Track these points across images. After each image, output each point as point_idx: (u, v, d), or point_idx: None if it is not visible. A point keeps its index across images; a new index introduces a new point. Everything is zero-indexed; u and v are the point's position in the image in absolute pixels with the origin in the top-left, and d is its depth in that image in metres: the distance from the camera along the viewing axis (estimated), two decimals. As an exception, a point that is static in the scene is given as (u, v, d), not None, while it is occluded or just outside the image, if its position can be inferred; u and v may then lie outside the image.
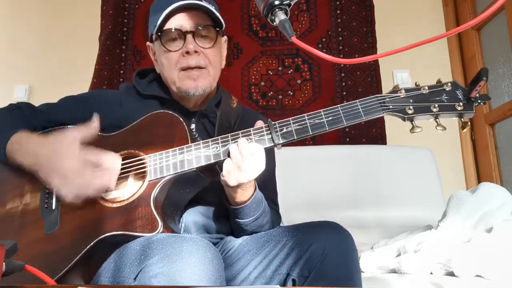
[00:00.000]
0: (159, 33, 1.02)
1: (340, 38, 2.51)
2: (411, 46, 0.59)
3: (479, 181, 2.26)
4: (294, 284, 0.85)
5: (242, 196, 0.94)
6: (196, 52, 1.01)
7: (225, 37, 1.14)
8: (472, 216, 1.24)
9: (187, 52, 1.01)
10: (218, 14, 1.03)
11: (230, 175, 0.88)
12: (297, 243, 0.86)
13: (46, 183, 0.88)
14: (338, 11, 2.56)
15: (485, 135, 2.24)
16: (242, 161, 0.87)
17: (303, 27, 2.56)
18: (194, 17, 1.02)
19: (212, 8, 1.01)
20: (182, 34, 1.02)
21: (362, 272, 1.22)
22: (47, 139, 0.91)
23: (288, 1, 0.69)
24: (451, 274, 1.13)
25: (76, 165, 0.84)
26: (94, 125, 0.92)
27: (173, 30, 1.01)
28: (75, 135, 0.88)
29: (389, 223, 1.90)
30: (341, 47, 2.50)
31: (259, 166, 0.89)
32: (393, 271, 1.21)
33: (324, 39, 2.52)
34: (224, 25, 1.06)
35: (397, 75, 2.43)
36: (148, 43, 1.13)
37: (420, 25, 2.48)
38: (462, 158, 2.35)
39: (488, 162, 2.22)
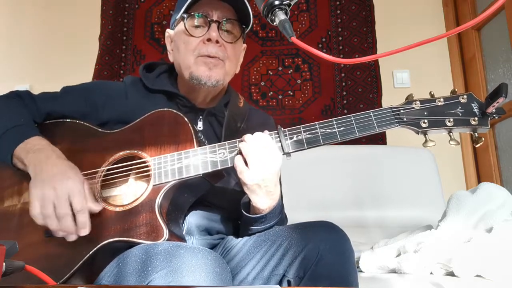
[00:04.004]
0: (184, 15, 1.01)
1: (340, 38, 2.51)
2: (411, 46, 0.59)
3: (479, 181, 2.26)
4: (289, 285, 0.84)
5: (268, 205, 0.90)
6: (217, 42, 1.00)
7: (244, 45, 1.14)
8: (472, 216, 1.24)
9: (209, 40, 0.99)
10: (248, 8, 1.01)
11: (242, 173, 0.85)
12: (292, 244, 0.85)
13: (30, 189, 0.84)
14: (338, 11, 2.56)
15: (485, 135, 2.24)
16: (252, 155, 0.85)
17: (303, 27, 2.55)
18: (223, 9, 1.02)
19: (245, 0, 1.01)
20: (207, 22, 1.01)
21: (362, 272, 1.23)
22: (67, 162, 0.88)
23: (288, 1, 0.69)
24: (451, 274, 1.13)
25: (62, 195, 0.81)
26: (99, 207, 0.86)
27: (199, 15, 1.01)
28: (86, 189, 0.85)
29: (389, 223, 1.90)
30: (341, 47, 2.50)
31: (272, 160, 0.86)
32: (393, 271, 1.21)
33: (324, 39, 2.52)
34: (251, 22, 1.05)
35: (397, 75, 2.43)
36: (167, 30, 1.11)
37: (420, 25, 2.48)
38: (462, 158, 2.35)
39: (488, 162, 2.22)
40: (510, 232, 1.15)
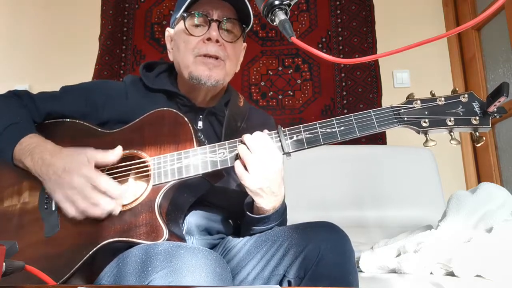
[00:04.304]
0: (185, 14, 1.01)
1: (340, 38, 2.51)
2: (411, 46, 0.59)
3: (479, 181, 2.26)
4: (289, 285, 0.84)
5: (272, 205, 0.90)
6: (217, 41, 1.00)
7: (245, 44, 1.14)
8: (472, 216, 1.24)
9: (209, 39, 0.99)
10: (249, 7, 1.01)
11: (242, 176, 0.85)
12: (293, 244, 0.85)
13: (50, 195, 0.86)
14: (338, 11, 2.56)
15: (485, 135, 2.24)
16: (252, 159, 0.84)
17: (303, 27, 2.55)
18: (223, 8, 1.01)
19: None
20: (207, 21, 1.01)
21: (362, 272, 1.23)
22: (62, 151, 0.88)
23: (288, 1, 0.69)
24: (451, 274, 1.13)
25: (83, 185, 0.81)
26: (115, 154, 0.88)
27: (199, 14, 1.00)
28: (92, 156, 0.85)
29: (389, 223, 1.90)
30: (341, 47, 2.50)
31: (276, 157, 0.86)
32: (393, 271, 1.21)
33: (324, 39, 2.52)
34: (251, 22, 1.05)
35: (397, 75, 2.43)
36: (167, 29, 1.11)
37: (420, 25, 2.48)
38: (462, 158, 2.35)
39: (488, 162, 2.22)
40: (510, 232, 1.15)
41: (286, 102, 2.44)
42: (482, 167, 2.29)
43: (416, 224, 1.53)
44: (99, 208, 0.82)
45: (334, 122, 0.88)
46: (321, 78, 2.46)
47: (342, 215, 1.88)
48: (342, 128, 0.88)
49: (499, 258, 1.09)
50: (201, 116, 1.07)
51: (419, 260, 1.15)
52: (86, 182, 0.82)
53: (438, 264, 1.15)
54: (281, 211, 0.94)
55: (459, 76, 2.43)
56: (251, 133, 0.88)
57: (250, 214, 0.93)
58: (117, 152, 0.89)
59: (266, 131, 0.90)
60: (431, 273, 1.16)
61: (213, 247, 1.01)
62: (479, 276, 1.10)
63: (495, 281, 1.07)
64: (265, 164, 0.85)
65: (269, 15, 0.69)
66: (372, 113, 0.88)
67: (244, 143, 0.87)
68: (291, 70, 2.49)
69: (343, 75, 2.45)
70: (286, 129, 0.89)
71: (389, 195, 1.99)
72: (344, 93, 2.42)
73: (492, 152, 2.21)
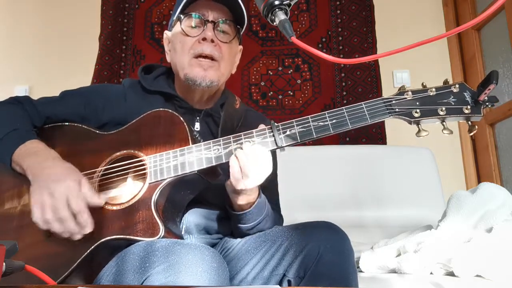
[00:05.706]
0: (181, 16, 1.03)
1: (340, 38, 2.51)
2: (411, 46, 0.59)
3: (479, 181, 2.26)
4: (289, 285, 0.85)
5: (246, 201, 0.93)
6: (212, 41, 1.01)
7: (240, 46, 1.15)
8: (472, 216, 1.24)
9: (204, 39, 1.01)
10: (243, 9, 1.03)
11: (238, 182, 0.87)
12: (292, 244, 0.85)
13: (30, 194, 0.86)
14: (338, 11, 2.56)
15: (485, 135, 2.24)
16: (249, 166, 0.85)
17: (303, 27, 2.56)
18: (218, 9, 1.03)
19: (240, 1, 1.03)
20: (203, 22, 1.02)
21: (362, 272, 1.23)
22: (65, 163, 0.89)
23: (288, 1, 0.69)
24: (451, 274, 1.13)
25: (60, 198, 0.81)
26: (98, 201, 0.86)
27: (195, 16, 1.02)
28: (84, 184, 0.85)
29: (389, 223, 1.90)
30: (341, 47, 2.50)
31: (266, 170, 0.88)
32: (393, 271, 1.21)
33: (324, 39, 2.52)
34: (246, 23, 1.07)
35: (397, 75, 2.43)
36: (165, 31, 1.13)
37: (420, 25, 2.48)
38: (462, 158, 2.35)
39: (488, 162, 2.22)
40: (510, 232, 1.15)
41: (286, 102, 2.44)
42: (482, 167, 2.28)
43: (416, 224, 1.54)
44: (61, 225, 0.82)
45: (327, 115, 0.89)
46: (321, 78, 2.46)
47: (342, 215, 1.88)
48: (334, 121, 0.88)
49: (499, 258, 1.09)
50: (198, 118, 1.08)
51: (419, 260, 1.15)
52: (64, 199, 0.82)
53: (438, 264, 1.15)
54: (261, 205, 0.96)
55: (459, 76, 2.42)
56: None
57: (232, 211, 0.96)
58: (100, 201, 0.87)
59: (262, 125, 0.92)
60: (431, 273, 1.16)
61: (212, 246, 1.01)
62: (479, 276, 1.10)
63: (495, 281, 1.07)
64: (258, 181, 0.88)
65: (269, 15, 0.69)
66: (363, 105, 0.89)
67: (237, 160, 0.87)
68: (291, 70, 2.49)
69: (343, 75, 2.45)
70: (279, 124, 0.91)
71: (389, 195, 1.98)
72: (344, 93, 2.42)
73: (492, 152, 2.21)
